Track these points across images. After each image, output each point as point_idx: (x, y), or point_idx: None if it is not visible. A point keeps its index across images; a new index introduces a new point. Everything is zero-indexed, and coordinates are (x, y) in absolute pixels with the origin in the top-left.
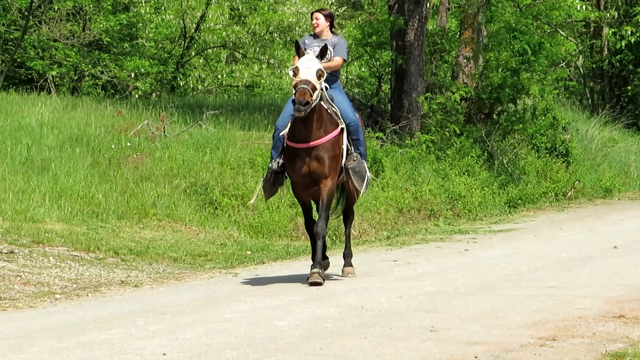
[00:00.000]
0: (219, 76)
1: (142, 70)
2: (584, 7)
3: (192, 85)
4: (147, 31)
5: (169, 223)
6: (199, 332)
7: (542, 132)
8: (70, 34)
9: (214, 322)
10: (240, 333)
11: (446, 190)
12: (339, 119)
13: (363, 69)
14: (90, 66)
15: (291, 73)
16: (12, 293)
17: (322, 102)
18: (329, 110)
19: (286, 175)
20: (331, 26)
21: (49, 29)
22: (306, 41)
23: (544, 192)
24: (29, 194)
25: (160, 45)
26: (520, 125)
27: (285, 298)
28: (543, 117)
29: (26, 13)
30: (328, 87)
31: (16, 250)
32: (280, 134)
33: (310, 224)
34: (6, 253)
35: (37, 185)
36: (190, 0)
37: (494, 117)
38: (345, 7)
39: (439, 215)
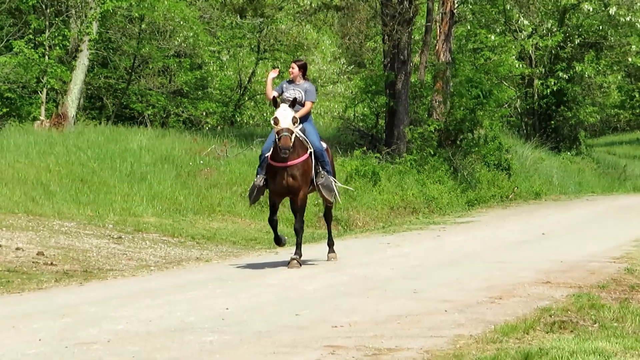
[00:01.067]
0: (264, 114)
1: (211, 110)
2: (520, 65)
3: (245, 120)
4: (214, 82)
5: (229, 217)
6: (251, 293)
7: (491, 153)
8: (160, 84)
9: (261, 287)
10: (280, 294)
11: (424, 194)
12: (309, 145)
13: (365, 109)
14: (174, 107)
15: (273, 122)
16: (120, 266)
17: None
18: (300, 139)
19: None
20: (304, 74)
21: (145, 81)
22: (284, 85)
23: (493, 195)
24: (131, 197)
25: (223, 92)
26: (476, 148)
27: (311, 270)
28: (492, 143)
29: (130, 70)
30: (300, 123)
31: (123, 236)
32: (265, 155)
33: (272, 220)
34: (116, 238)
35: (137, 191)
36: (244, 60)
37: (458, 142)
38: (353, 65)
39: (419, 212)
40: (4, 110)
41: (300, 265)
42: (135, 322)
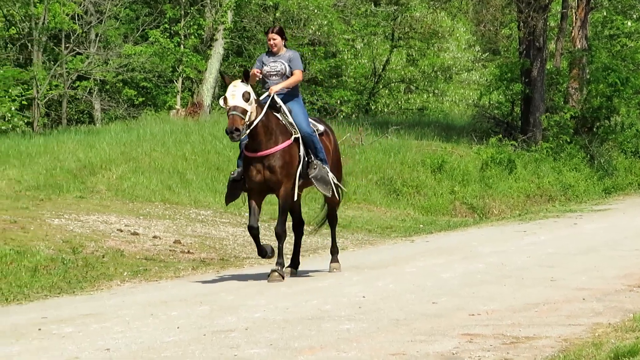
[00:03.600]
0: (399, 102)
1: (345, 98)
2: None
3: (380, 109)
4: (348, 71)
5: (365, 205)
6: (387, 281)
7: (628, 140)
8: None
9: (398, 274)
10: (417, 282)
11: (560, 182)
12: (294, 129)
13: (500, 97)
14: (309, 95)
15: (222, 102)
16: (256, 254)
17: (276, 115)
18: (282, 122)
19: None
20: (284, 40)
21: None
22: (263, 59)
23: (630, 183)
24: None
25: (357, 80)
26: (613, 136)
27: (448, 257)
28: (629, 130)
29: None
30: (279, 100)
31: (260, 225)
32: (243, 143)
33: (252, 228)
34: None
35: None
36: (378, 48)
37: (594, 130)
38: (488, 53)
39: (555, 199)
40: (141, 99)
41: (283, 277)
42: (273, 310)
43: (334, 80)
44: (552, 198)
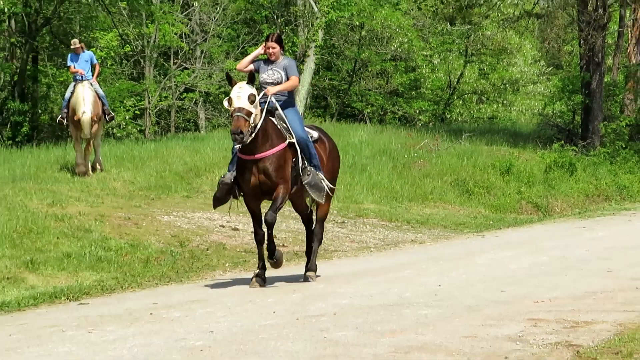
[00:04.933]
0: (471, 111)
1: (423, 108)
2: None
3: (454, 118)
4: (426, 83)
5: (440, 204)
6: (460, 272)
7: None
8: (378, 85)
9: (470, 266)
10: (486, 272)
11: (616, 183)
12: (290, 134)
13: (563, 107)
14: (391, 105)
15: (226, 104)
16: (344, 247)
17: (272, 119)
18: (278, 126)
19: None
20: (282, 48)
21: (365, 82)
22: (261, 66)
23: None
24: (353, 186)
25: (434, 92)
26: None
27: (515, 251)
28: None
29: (351, 73)
30: (277, 105)
31: (346, 221)
32: (235, 147)
33: (256, 233)
34: (340, 223)
35: (358, 181)
36: (453, 63)
37: None
38: (551, 67)
39: (612, 199)
40: None
41: (265, 284)
42: (358, 297)
43: (413, 92)
44: (609, 198)
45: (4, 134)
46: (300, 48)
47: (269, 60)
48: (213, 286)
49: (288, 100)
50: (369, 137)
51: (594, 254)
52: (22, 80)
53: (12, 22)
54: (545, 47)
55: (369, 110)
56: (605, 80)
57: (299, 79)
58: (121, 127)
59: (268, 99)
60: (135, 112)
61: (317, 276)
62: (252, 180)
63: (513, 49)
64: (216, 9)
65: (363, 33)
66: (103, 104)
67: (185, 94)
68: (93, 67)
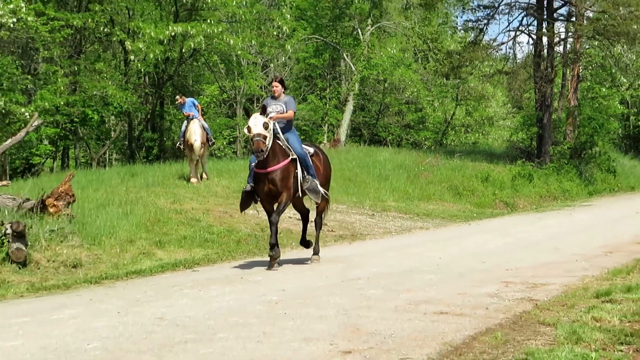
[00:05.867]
0: (461, 139)
1: (427, 136)
2: (622, 107)
3: (449, 143)
4: (430, 119)
5: (440, 202)
6: (454, 249)
7: (603, 162)
8: (396, 121)
9: (461, 245)
10: (473, 249)
11: (561, 187)
12: (291, 152)
13: (524, 135)
14: (405, 135)
15: (246, 131)
16: (373, 232)
17: (278, 141)
18: (283, 146)
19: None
20: (284, 88)
21: (387, 119)
22: (268, 101)
23: (604, 188)
24: (379, 190)
25: (435, 125)
26: (594, 159)
27: (491, 234)
28: (604, 156)
29: (378, 112)
30: (279, 130)
31: (375, 214)
32: (252, 164)
33: (272, 222)
34: (370, 215)
35: (383, 186)
36: (448, 105)
37: (582, 156)
38: (516, 108)
39: (558, 199)
40: (302, 137)
41: (278, 264)
42: (383, 266)
43: (421, 125)
44: (556, 198)
45: (140, 154)
46: (343, 95)
47: (273, 97)
48: (284, 259)
49: (287, 126)
50: (390, 156)
51: (546, 237)
52: (153, 117)
53: (146, 78)
54: (511, 95)
55: (390, 138)
56: (553, 117)
57: (295, 112)
58: (220, 149)
59: (271, 124)
60: (230, 139)
61: (319, 258)
62: (265, 189)
63: (489, 95)
64: (285, 68)
65: (386, 85)
66: (207, 134)
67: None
68: (196, 107)
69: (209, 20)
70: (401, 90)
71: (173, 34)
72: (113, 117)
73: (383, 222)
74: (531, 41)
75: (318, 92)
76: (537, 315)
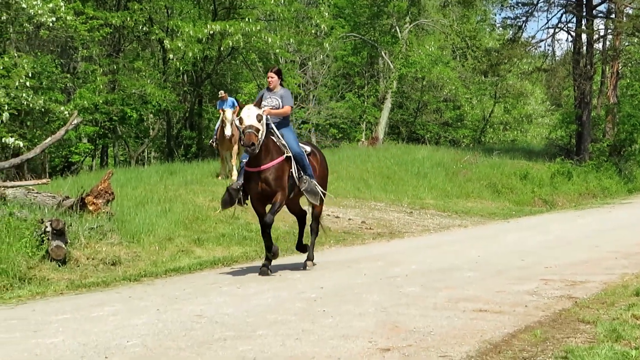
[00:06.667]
0: (499, 136)
1: (466, 134)
2: None
3: (488, 140)
4: (468, 117)
5: (478, 200)
6: (494, 246)
7: (639, 159)
8: (435, 118)
9: (500, 242)
10: (512, 247)
11: (600, 185)
12: (286, 149)
13: (563, 133)
14: (443, 132)
15: (237, 122)
16: (412, 229)
17: (272, 137)
18: (277, 143)
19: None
20: (281, 79)
21: (425, 116)
22: (263, 94)
23: None
24: (418, 188)
25: (473, 123)
26: (633, 156)
27: (530, 232)
28: None
29: (416, 110)
30: (273, 125)
31: (413, 211)
32: (243, 161)
33: (263, 231)
34: (408, 212)
35: (422, 184)
36: (486, 103)
37: (621, 153)
38: (554, 105)
39: (597, 196)
40: (340, 135)
41: (270, 272)
42: (422, 264)
43: (459, 123)
44: (595, 195)
45: (179, 152)
46: (381, 93)
47: (269, 89)
48: (322, 256)
49: (283, 122)
50: (429, 154)
51: (585, 234)
52: (192, 116)
53: (185, 76)
54: (550, 92)
55: (428, 136)
56: (592, 114)
57: (292, 107)
58: None
59: (264, 117)
60: None
61: (314, 264)
62: (257, 188)
63: (528, 93)
64: (323, 66)
65: (424, 82)
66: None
67: (302, 125)
68: (235, 108)
69: (247, 19)
70: (439, 87)
71: (211, 32)
72: (152, 115)
73: (421, 220)
74: (570, 38)
75: (356, 90)
76: (576, 313)
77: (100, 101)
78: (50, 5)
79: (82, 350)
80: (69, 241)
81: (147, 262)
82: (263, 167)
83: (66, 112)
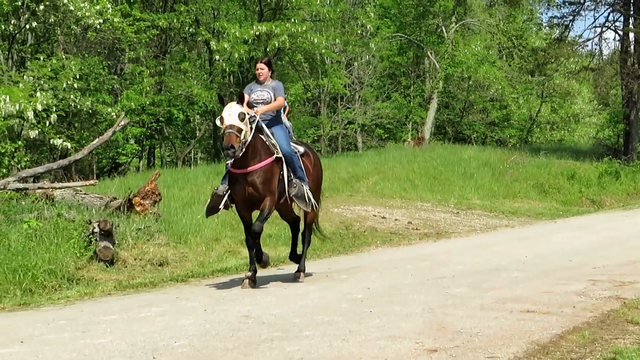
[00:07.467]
0: (546, 136)
1: (513, 134)
2: None
3: (535, 140)
4: (514, 116)
5: (525, 200)
6: (541, 247)
7: None
8: (481, 118)
9: (547, 242)
10: (559, 247)
11: None
12: (276, 149)
13: (610, 132)
14: (490, 132)
15: (218, 122)
16: (458, 230)
17: (261, 136)
18: (267, 143)
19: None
20: (271, 71)
21: (472, 116)
22: (252, 87)
23: None
24: (464, 188)
25: (520, 123)
26: None
27: (578, 232)
28: None
29: (462, 110)
30: (262, 123)
31: (460, 212)
32: (227, 163)
33: (249, 240)
34: (455, 213)
35: (468, 184)
36: (533, 103)
37: None
38: (602, 105)
39: None
40: (386, 135)
41: (255, 283)
42: (469, 264)
43: (505, 123)
44: None
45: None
46: (427, 93)
47: (259, 82)
48: (368, 257)
49: (275, 118)
50: (475, 154)
51: (634, 234)
52: None
53: (231, 77)
54: (597, 91)
55: (474, 136)
56: None
57: (285, 99)
58: None
59: (257, 118)
60: (314, 137)
61: (306, 276)
62: (243, 192)
63: (575, 92)
64: (369, 67)
65: (470, 82)
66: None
67: (348, 125)
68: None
69: (292, 20)
70: (485, 87)
71: (257, 33)
72: (198, 116)
73: (468, 220)
74: (618, 37)
75: (402, 90)
76: (625, 314)
77: (147, 102)
78: (98, 7)
79: (130, 350)
80: (117, 242)
81: (194, 262)
82: (250, 168)
83: (113, 114)
